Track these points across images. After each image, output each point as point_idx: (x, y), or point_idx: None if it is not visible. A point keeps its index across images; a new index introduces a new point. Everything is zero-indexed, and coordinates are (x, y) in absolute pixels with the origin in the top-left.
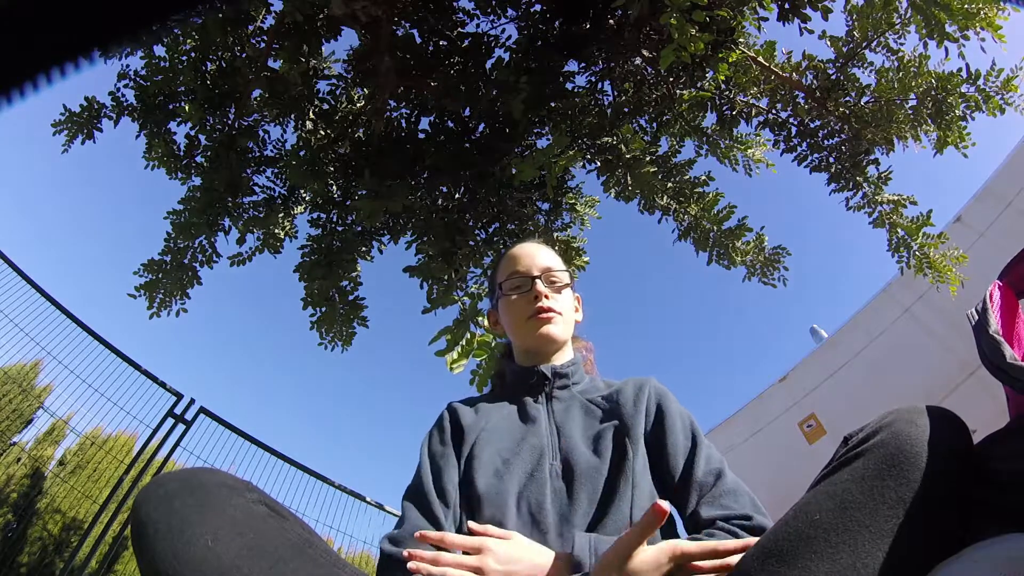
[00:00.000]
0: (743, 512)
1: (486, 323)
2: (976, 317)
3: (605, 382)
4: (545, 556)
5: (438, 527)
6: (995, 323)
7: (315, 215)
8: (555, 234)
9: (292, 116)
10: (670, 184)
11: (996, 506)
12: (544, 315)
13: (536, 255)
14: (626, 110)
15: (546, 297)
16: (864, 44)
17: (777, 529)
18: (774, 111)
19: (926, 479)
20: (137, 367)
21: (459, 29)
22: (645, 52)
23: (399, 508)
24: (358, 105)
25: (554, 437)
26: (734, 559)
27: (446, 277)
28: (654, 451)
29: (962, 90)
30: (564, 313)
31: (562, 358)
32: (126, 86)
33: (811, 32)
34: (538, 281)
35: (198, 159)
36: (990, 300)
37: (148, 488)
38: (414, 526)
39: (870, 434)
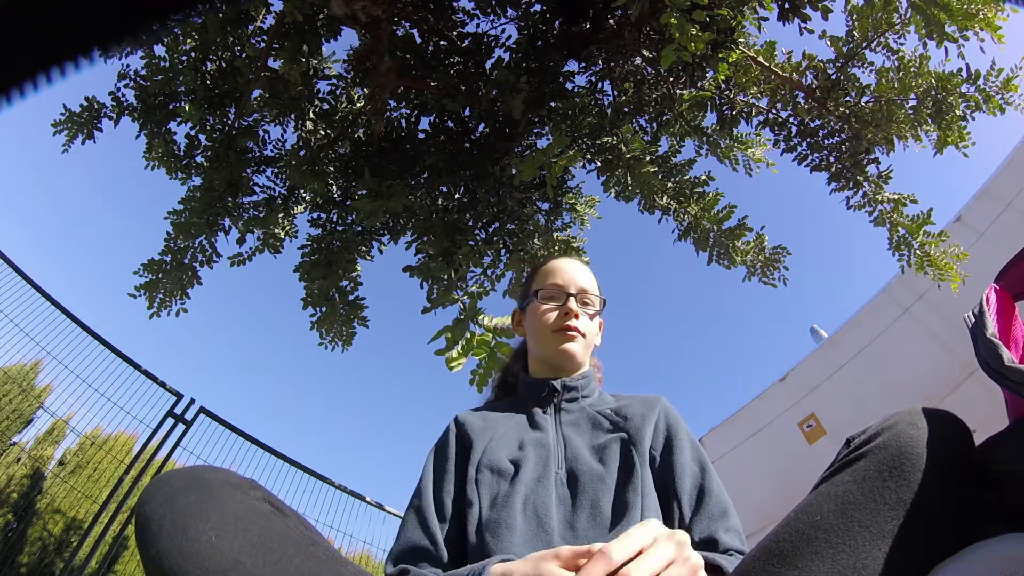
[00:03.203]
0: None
1: (485, 323)
2: (973, 320)
3: (614, 396)
4: None
5: (433, 542)
6: (992, 326)
7: (315, 215)
8: (555, 234)
9: (292, 116)
10: (670, 184)
11: (997, 508)
12: (570, 332)
13: (577, 273)
14: (626, 110)
15: (576, 316)
16: (864, 44)
17: (778, 530)
18: (774, 111)
19: (927, 481)
20: (137, 367)
21: (459, 29)
22: (645, 52)
23: (399, 508)
24: (358, 105)
25: (560, 446)
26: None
27: (446, 277)
28: (663, 472)
29: (962, 90)
30: (588, 336)
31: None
32: (126, 86)
33: (811, 32)
34: (572, 299)
35: (198, 159)
36: (987, 303)
37: (152, 486)
38: (408, 540)
39: (872, 436)
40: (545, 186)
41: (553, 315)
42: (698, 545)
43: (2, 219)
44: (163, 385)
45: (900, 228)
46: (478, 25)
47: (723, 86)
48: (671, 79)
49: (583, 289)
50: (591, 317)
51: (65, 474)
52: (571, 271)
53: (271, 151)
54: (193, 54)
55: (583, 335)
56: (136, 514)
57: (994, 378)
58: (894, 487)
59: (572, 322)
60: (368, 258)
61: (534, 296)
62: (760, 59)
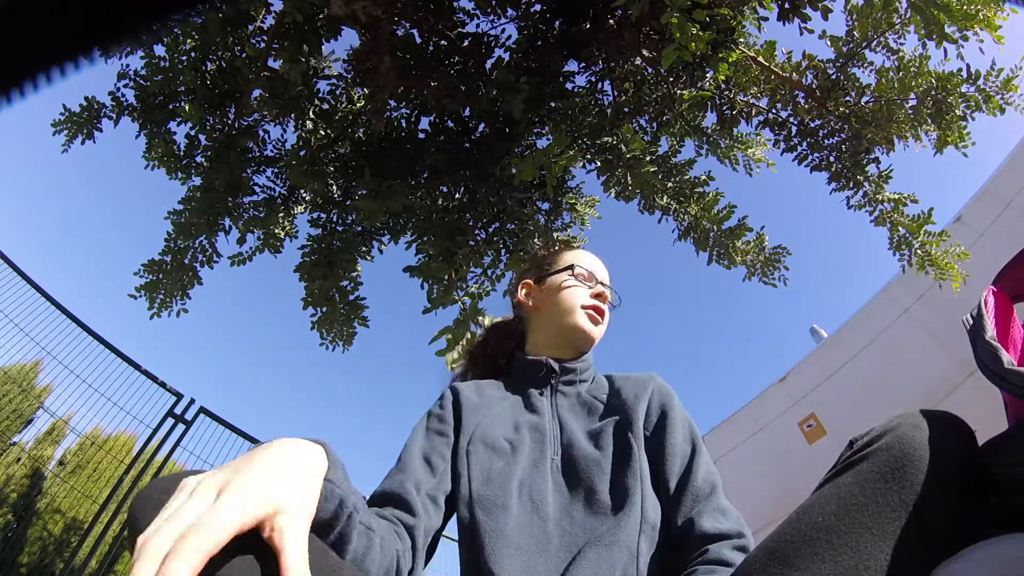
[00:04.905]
0: (738, 529)
1: (486, 323)
2: (971, 322)
3: (608, 377)
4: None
5: (406, 490)
6: (991, 329)
7: (315, 215)
8: (555, 234)
9: (292, 116)
10: (670, 184)
11: (1000, 509)
12: (597, 315)
13: (606, 271)
14: (626, 110)
15: (606, 301)
16: (864, 44)
17: (780, 531)
18: (774, 111)
19: (930, 483)
20: (137, 367)
21: (459, 29)
22: (645, 52)
23: None
24: (358, 105)
25: (556, 431)
26: None
27: (446, 277)
28: (652, 452)
29: (962, 90)
30: (604, 327)
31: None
32: (126, 86)
33: (811, 32)
34: (606, 288)
35: (198, 159)
36: (985, 306)
37: (144, 492)
38: (378, 489)
39: (875, 438)
40: (545, 186)
41: (585, 292)
42: (678, 529)
43: (2, 219)
44: (163, 385)
45: (901, 228)
46: (478, 25)
47: (723, 86)
48: (671, 79)
49: (609, 285)
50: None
51: (65, 474)
52: (603, 267)
53: (271, 151)
54: (193, 54)
55: (604, 324)
56: (128, 521)
57: (994, 381)
58: (896, 488)
59: (602, 305)
60: (368, 258)
61: (569, 271)
62: (760, 59)
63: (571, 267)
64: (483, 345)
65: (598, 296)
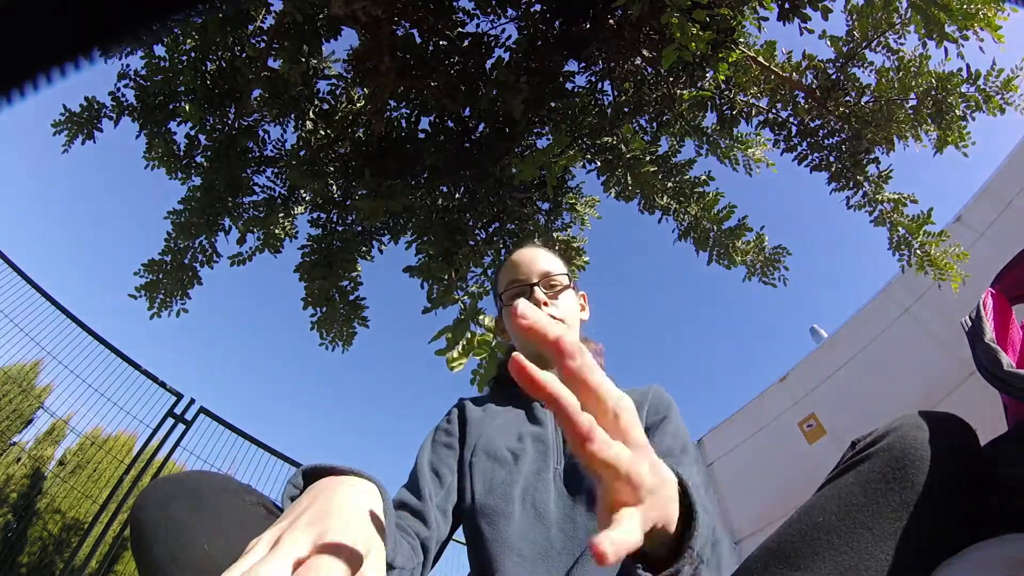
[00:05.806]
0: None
1: (486, 323)
2: (970, 324)
3: None
4: None
5: (419, 497)
6: (990, 331)
7: (315, 215)
8: (555, 234)
9: (292, 116)
10: (670, 184)
11: (1000, 510)
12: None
13: (533, 261)
14: (626, 110)
15: (545, 304)
16: (864, 44)
17: (782, 531)
18: (774, 111)
19: (930, 483)
20: (137, 367)
21: (459, 29)
22: (645, 52)
23: None
24: (358, 105)
25: (559, 441)
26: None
27: (446, 277)
28: None
29: (962, 90)
30: (566, 319)
31: None
32: (126, 86)
33: (811, 32)
34: (536, 289)
35: (198, 159)
36: (984, 308)
37: (145, 493)
38: (399, 499)
39: (877, 438)
40: (545, 186)
41: None
42: None
43: (2, 219)
44: (163, 385)
45: (900, 228)
46: (478, 25)
47: (723, 86)
48: (671, 79)
49: (545, 273)
50: (557, 296)
51: (65, 474)
52: (527, 261)
53: (271, 151)
54: (193, 54)
55: (560, 320)
56: (130, 522)
57: (994, 384)
58: (897, 489)
59: (545, 309)
60: (368, 258)
61: (501, 301)
62: (760, 59)
63: (500, 297)
64: (500, 365)
65: (535, 306)
